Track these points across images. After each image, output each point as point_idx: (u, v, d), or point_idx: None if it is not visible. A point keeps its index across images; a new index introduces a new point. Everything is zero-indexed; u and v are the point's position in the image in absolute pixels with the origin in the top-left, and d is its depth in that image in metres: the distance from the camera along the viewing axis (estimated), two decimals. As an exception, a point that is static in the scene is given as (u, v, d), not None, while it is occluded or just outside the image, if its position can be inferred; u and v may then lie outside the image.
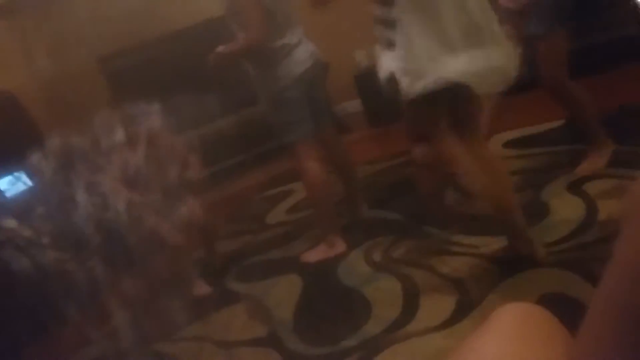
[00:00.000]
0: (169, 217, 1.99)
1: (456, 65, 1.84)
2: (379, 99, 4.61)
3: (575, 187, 2.44)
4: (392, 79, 2.00)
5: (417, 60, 1.89)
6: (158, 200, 1.96)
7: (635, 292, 0.40)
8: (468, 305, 1.99)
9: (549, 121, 3.12)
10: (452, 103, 1.98)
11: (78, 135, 1.93)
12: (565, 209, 2.32)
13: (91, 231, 1.83)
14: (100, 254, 1.85)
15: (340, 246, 2.79)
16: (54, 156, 1.88)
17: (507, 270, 2.08)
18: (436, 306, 2.06)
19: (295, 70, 2.69)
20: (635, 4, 3.06)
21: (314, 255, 2.82)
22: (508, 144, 3.13)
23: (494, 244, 2.27)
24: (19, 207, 1.99)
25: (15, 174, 2.94)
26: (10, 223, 1.87)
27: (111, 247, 1.86)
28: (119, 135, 1.92)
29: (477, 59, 1.84)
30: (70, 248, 1.88)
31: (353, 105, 5.06)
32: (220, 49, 2.68)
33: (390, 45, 2.02)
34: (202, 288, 2.81)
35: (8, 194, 2.83)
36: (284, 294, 2.57)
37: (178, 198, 2.01)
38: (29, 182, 2.89)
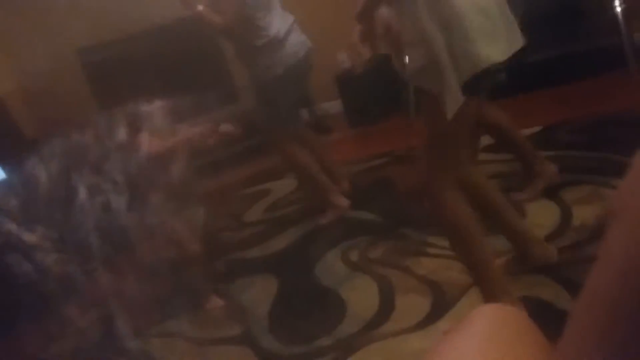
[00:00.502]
0: (178, 222, 2.00)
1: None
2: (360, 100, 4.66)
3: (551, 193, 2.47)
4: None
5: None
6: (160, 202, 1.95)
7: (622, 291, 0.40)
8: (443, 306, 2.00)
9: (526, 127, 3.15)
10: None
11: (79, 135, 1.91)
12: (541, 214, 2.35)
13: (92, 233, 1.81)
14: (101, 254, 1.84)
15: (344, 202, 3.01)
16: (54, 157, 1.86)
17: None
18: (412, 307, 2.07)
19: (287, 60, 2.72)
20: (614, 14, 3.11)
21: (325, 217, 3.00)
22: (486, 149, 3.16)
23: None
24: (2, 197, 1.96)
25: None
26: (11, 227, 1.85)
27: (112, 248, 1.85)
28: (121, 135, 1.91)
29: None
30: (71, 250, 1.87)
31: (334, 106, 5.07)
32: (202, 9, 2.69)
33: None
34: (214, 302, 2.60)
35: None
36: (260, 292, 2.57)
37: (181, 200, 2.01)
38: (3, 174, 2.85)
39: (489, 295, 1.75)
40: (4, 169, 2.80)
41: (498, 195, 2.00)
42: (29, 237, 1.85)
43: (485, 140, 3.22)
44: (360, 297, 2.26)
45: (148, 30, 4.34)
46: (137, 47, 4.34)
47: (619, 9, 3.33)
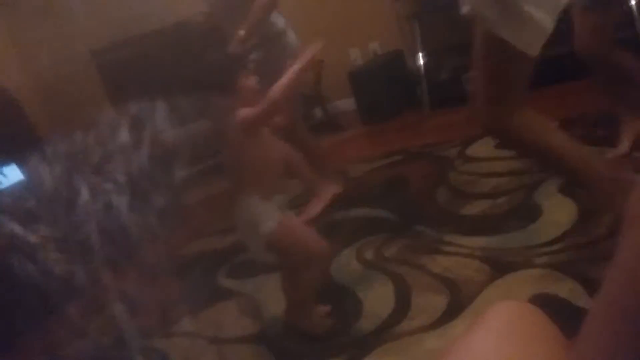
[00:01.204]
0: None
1: None
2: (373, 97, 4.65)
3: (568, 189, 2.45)
4: None
5: None
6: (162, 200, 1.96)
7: (635, 295, 0.40)
8: (459, 305, 1.99)
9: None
10: None
11: (81, 135, 1.93)
12: (557, 211, 2.33)
13: (94, 232, 1.83)
14: (102, 254, 1.85)
15: (334, 187, 3.00)
16: (57, 158, 1.88)
17: (499, 270, 2.08)
18: (427, 305, 2.06)
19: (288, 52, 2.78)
20: (629, 7, 3.07)
21: (313, 209, 2.97)
22: (500, 145, 3.14)
23: (486, 243, 2.28)
24: (14, 202, 1.98)
25: (7, 167, 2.92)
26: (16, 228, 1.87)
27: (114, 247, 1.86)
28: (123, 135, 1.92)
29: None
30: (74, 250, 1.88)
31: (346, 103, 5.07)
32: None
33: None
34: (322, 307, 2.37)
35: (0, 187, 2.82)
36: (275, 291, 2.57)
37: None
38: (21, 176, 2.88)
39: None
40: (20, 169, 2.83)
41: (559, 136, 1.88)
42: (33, 239, 1.87)
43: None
44: (376, 295, 2.25)
45: (162, 29, 4.37)
46: (150, 47, 4.37)
47: (633, 2, 3.29)
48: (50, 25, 4.32)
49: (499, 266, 2.11)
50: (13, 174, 2.74)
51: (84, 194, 1.86)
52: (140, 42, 4.41)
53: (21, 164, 2.88)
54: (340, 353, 1.98)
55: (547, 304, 1.70)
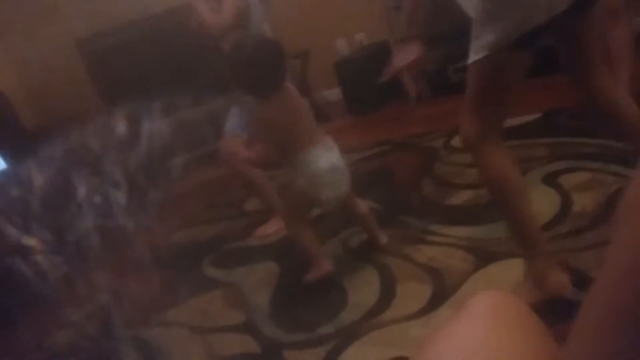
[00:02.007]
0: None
1: None
2: (359, 87, 4.65)
3: (550, 179, 2.48)
4: None
5: None
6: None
7: (627, 291, 0.40)
8: (444, 294, 2.01)
9: (526, 114, 3.16)
10: None
11: (78, 133, 1.92)
12: (540, 201, 2.35)
13: (79, 224, 1.82)
14: (88, 245, 1.85)
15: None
16: (53, 156, 1.86)
17: (483, 259, 2.11)
18: (412, 294, 2.08)
19: None
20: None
21: (267, 228, 3.00)
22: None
23: (470, 233, 2.30)
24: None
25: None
26: (10, 230, 1.85)
27: (99, 239, 1.86)
28: (120, 133, 1.91)
29: None
30: (59, 242, 1.87)
31: (333, 93, 5.07)
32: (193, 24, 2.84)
33: None
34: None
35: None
36: (261, 280, 2.58)
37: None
38: (4, 164, 2.86)
39: (530, 262, 1.72)
40: (5, 161, 2.81)
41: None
42: (27, 240, 1.86)
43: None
44: (361, 284, 2.27)
45: (146, 18, 4.33)
46: (136, 36, 4.34)
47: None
48: (36, 16, 4.27)
49: (484, 256, 2.13)
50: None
51: (75, 187, 1.85)
52: (125, 31, 4.37)
53: (5, 153, 2.86)
54: (325, 342, 2.00)
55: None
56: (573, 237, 2.05)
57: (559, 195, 2.34)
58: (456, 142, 3.26)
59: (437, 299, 1.99)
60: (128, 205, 1.93)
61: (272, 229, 3.01)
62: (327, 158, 2.26)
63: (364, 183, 3.22)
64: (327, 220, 2.87)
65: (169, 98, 2.11)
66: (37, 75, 4.35)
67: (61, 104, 3.62)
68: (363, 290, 2.23)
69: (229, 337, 2.24)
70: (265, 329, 2.21)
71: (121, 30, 4.34)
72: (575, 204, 2.25)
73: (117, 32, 4.34)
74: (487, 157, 1.71)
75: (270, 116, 2.23)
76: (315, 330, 2.08)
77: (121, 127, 1.95)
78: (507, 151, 1.73)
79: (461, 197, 2.64)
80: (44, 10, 4.32)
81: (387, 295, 2.15)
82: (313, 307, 2.24)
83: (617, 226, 0.44)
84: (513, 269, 1.98)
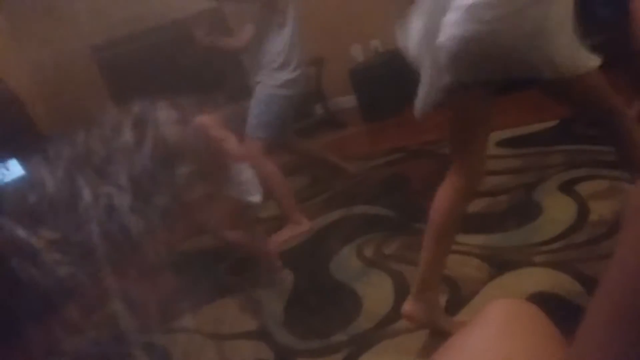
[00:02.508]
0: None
1: None
2: (374, 94, 4.65)
3: (567, 188, 2.46)
4: None
5: None
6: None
7: (633, 292, 0.40)
8: (458, 302, 2.00)
9: (542, 121, 3.13)
10: None
11: (84, 136, 1.93)
12: (557, 209, 2.33)
13: (95, 230, 1.83)
14: (104, 251, 1.85)
15: (306, 224, 3.00)
16: (59, 159, 1.87)
17: (498, 268, 2.09)
18: (427, 303, 2.06)
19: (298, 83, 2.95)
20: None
21: (282, 236, 2.99)
22: (501, 143, 3.15)
23: (485, 241, 2.28)
24: (15, 197, 1.99)
25: (6, 163, 2.93)
26: (16, 226, 1.87)
27: (114, 244, 1.86)
28: (126, 134, 1.92)
29: None
30: (74, 248, 1.88)
31: (347, 101, 5.06)
32: (203, 39, 2.97)
33: None
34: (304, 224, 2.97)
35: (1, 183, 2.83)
36: (275, 288, 2.58)
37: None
38: (22, 171, 2.89)
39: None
40: (21, 164, 2.84)
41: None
42: (34, 237, 1.87)
43: (502, 134, 3.22)
44: (375, 292, 2.26)
45: (159, 26, 4.38)
46: (150, 43, 4.38)
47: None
48: (52, 22, 4.32)
49: (499, 264, 2.11)
50: (15, 169, 2.75)
51: (85, 192, 1.86)
52: (139, 38, 4.42)
53: (22, 160, 2.89)
54: (338, 350, 1.99)
55: (545, 302, 1.70)
56: (590, 245, 2.02)
57: (575, 204, 2.32)
58: (471, 149, 3.25)
59: (452, 308, 1.98)
60: (142, 211, 1.94)
61: (288, 234, 3.01)
62: None
63: (378, 190, 3.22)
64: (341, 227, 2.87)
65: (183, 104, 2.12)
66: (53, 80, 4.40)
67: (77, 109, 3.65)
68: (377, 298, 2.22)
69: (243, 344, 2.24)
70: (279, 336, 2.20)
71: (135, 38, 4.39)
72: (592, 213, 2.22)
73: (130, 39, 4.39)
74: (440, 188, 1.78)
75: None
76: (329, 338, 2.08)
77: (132, 131, 1.96)
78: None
79: (477, 205, 2.62)
80: (61, 18, 4.37)
81: (401, 303, 2.13)
82: (327, 315, 2.24)
83: (623, 229, 0.44)
84: (528, 277, 1.96)
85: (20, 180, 2.74)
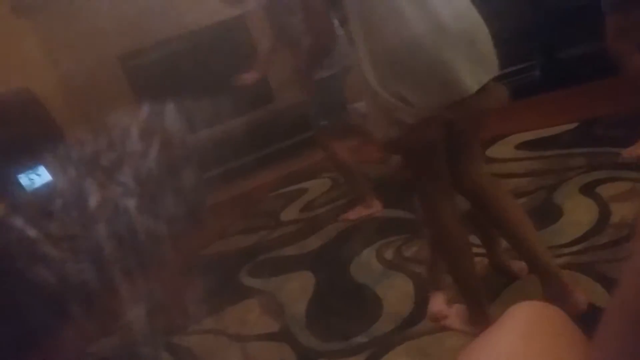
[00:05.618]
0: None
1: None
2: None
3: (588, 190, 2.45)
4: None
5: None
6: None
7: None
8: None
9: (562, 123, 3.13)
10: None
11: (96, 139, 1.97)
12: (578, 211, 2.33)
13: (107, 235, 1.86)
14: (127, 254, 1.89)
15: (377, 205, 3.12)
16: (70, 163, 1.92)
17: (519, 270, 2.09)
18: (447, 305, 2.07)
19: (342, 61, 2.88)
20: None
21: (354, 214, 3.13)
22: (521, 146, 3.14)
23: (506, 244, 2.29)
24: (40, 203, 2.03)
25: (35, 169, 2.99)
26: (31, 232, 1.91)
27: (138, 248, 1.90)
28: (134, 137, 1.96)
29: None
30: (98, 251, 1.92)
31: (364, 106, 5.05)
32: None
33: None
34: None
35: (28, 189, 2.88)
36: (297, 290, 2.61)
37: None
38: (49, 177, 2.95)
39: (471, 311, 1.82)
40: (49, 173, 2.90)
41: (511, 204, 1.85)
42: (49, 248, 1.91)
43: (522, 137, 3.21)
44: (396, 294, 2.28)
45: (185, 34, 4.43)
46: (177, 51, 4.44)
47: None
48: (78, 28, 4.38)
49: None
50: (44, 175, 2.82)
51: (107, 198, 1.90)
52: (165, 47, 4.48)
53: (48, 166, 2.95)
54: (360, 351, 2.01)
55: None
56: (611, 247, 2.02)
57: (597, 206, 2.31)
58: (491, 152, 3.25)
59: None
60: (166, 214, 1.98)
61: (359, 214, 3.12)
62: None
63: (398, 193, 3.23)
64: (361, 229, 2.89)
65: (208, 111, 2.16)
66: (81, 89, 4.46)
67: (103, 118, 3.70)
68: (398, 300, 2.23)
69: (266, 345, 2.27)
70: (301, 337, 2.23)
71: (161, 46, 4.45)
72: (613, 214, 2.22)
73: (157, 47, 4.45)
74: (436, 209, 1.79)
75: None
76: (351, 339, 2.10)
77: (159, 138, 1.99)
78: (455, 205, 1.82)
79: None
80: (88, 27, 4.43)
81: (421, 305, 2.15)
82: (348, 317, 2.26)
83: (637, 233, 0.46)
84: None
85: (48, 185, 2.80)
